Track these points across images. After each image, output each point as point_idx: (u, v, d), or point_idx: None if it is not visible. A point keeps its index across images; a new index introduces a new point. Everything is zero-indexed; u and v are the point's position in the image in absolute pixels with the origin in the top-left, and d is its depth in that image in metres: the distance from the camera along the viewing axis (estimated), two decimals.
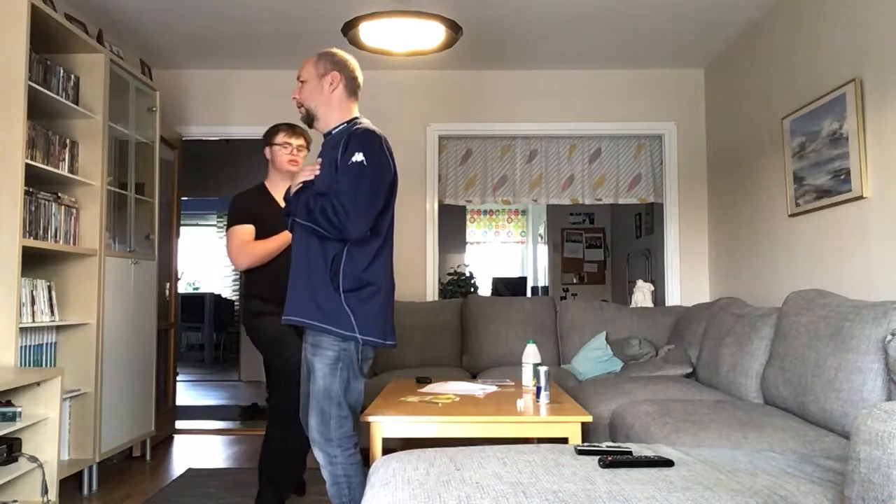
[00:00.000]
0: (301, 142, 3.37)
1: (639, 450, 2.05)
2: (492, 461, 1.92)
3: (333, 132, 2.55)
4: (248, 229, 3.27)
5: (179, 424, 5.45)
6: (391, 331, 2.54)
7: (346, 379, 2.44)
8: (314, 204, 2.40)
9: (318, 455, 2.46)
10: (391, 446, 3.70)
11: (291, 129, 3.37)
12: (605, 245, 9.89)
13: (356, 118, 2.57)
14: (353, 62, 2.60)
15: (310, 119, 2.59)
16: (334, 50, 2.61)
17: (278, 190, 3.31)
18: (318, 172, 2.51)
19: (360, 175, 2.37)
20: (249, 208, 3.32)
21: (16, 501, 3.03)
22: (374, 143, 2.44)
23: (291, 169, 3.31)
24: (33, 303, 3.43)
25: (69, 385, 3.70)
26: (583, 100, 5.45)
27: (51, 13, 3.39)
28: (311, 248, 2.48)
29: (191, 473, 4.12)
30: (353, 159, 2.37)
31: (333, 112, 2.55)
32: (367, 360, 2.51)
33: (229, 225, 3.32)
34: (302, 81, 2.57)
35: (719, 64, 5.15)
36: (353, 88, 2.58)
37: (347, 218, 2.34)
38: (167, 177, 5.09)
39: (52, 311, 3.59)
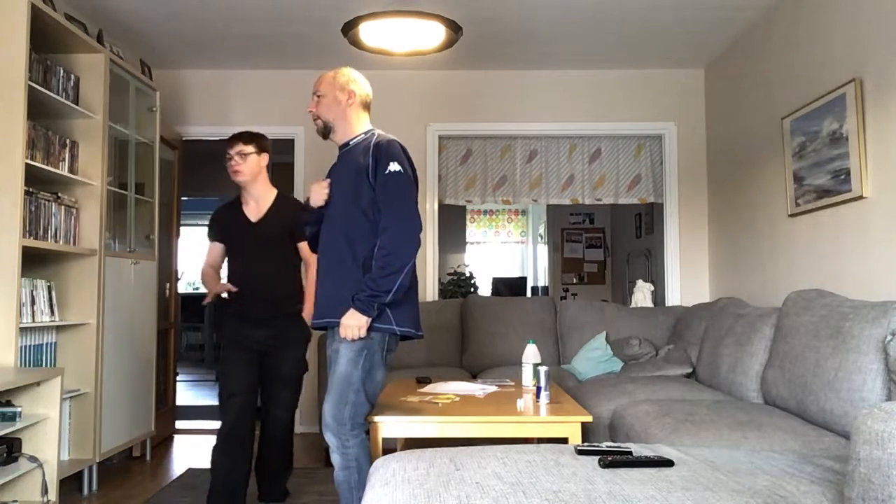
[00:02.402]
0: (238, 148, 3.29)
1: (639, 450, 2.05)
2: (492, 461, 1.92)
3: (351, 143, 2.71)
4: (215, 249, 3.50)
5: (179, 424, 5.45)
6: (419, 322, 2.68)
7: (370, 367, 2.54)
8: (377, 272, 2.49)
9: (330, 439, 2.53)
10: (391, 446, 3.70)
11: (232, 138, 3.34)
12: (605, 245, 9.89)
13: (372, 130, 2.73)
14: (365, 82, 2.79)
15: (326, 131, 2.73)
16: (349, 68, 2.79)
17: (245, 201, 3.40)
18: (326, 190, 2.67)
19: (401, 182, 2.55)
20: (221, 225, 3.47)
21: (16, 501, 3.03)
22: (400, 152, 2.60)
23: (235, 178, 3.32)
24: (33, 303, 3.43)
25: (69, 385, 3.70)
26: (583, 100, 5.45)
27: (51, 13, 3.39)
28: (341, 255, 2.59)
29: (191, 473, 4.12)
30: (390, 169, 2.55)
31: (349, 125, 2.71)
32: (392, 351, 2.62)
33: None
34: (319, 96, 2.71)
35: (719, 64, 5.15)
36: (366, 103, 2.77)
37: (408, 220, 2.53)
38: (167, 177, 5.09)
39: (52, 311, 3.59)
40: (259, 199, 3.38)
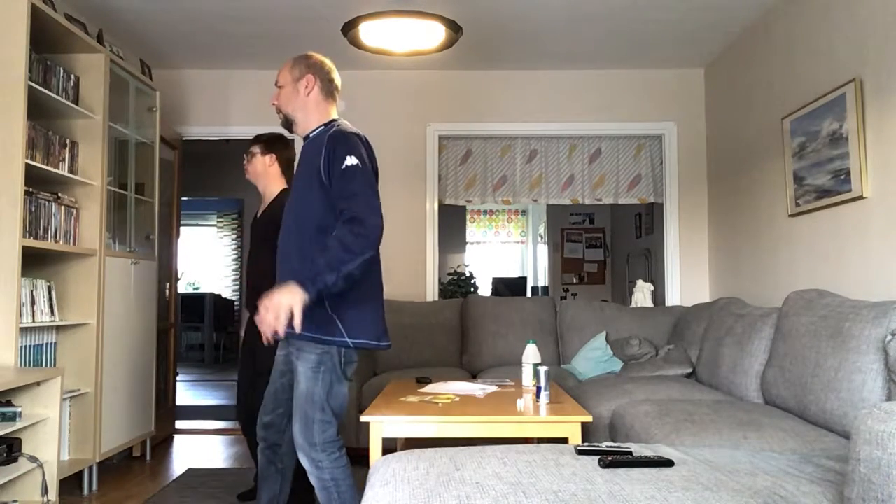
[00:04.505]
0: (249, 148, 3.47)
1: (639, 450, 2.05)
2: (492, 461, 1.92)
3: (311, 135, 2.55)
4: None
5: (179, 424, 5.45)
6: (384, 332, 2.52)
7: (329, 383, 2.42)
8: (328, 256, 2.27)
9: (303, 461, 2.44)
10: (391, 446, 3.70)
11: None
12: (605, 245, 9.89)
13: (334, 120, 2.56)
14: (329, 64, 2.60)
15: (288, 124, 2.59)
16: (310, 53, 2.61)
17: (261, 199, 3.53)
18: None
19: (358, 175, 2.36)
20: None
21: (16, 501, 3.03)
22: (357, 144, 2.42)
23: (246, 176, 3.50)
24: (33, 303, 3.43)
25: (69, 385, 3.70)
26: (583, 100, 5.45)
27: (51, 13, 3.39)
28: (292, 257, 2.47)
29: (191, 473, 4.12)
30: (347, 163, 2.36)
31: (311, 115, 2.55)
32: (351, 363, 2.49)
33: None
34: (279, 87, 2.57)
35: (719, 64, 5.15)
36: (329, 91, 2.57)
37: (368, 216, 2.29)
38: (167, 177, 5.09)
39: (52, 311, 3.59)
40: (266, 196, 3.48)
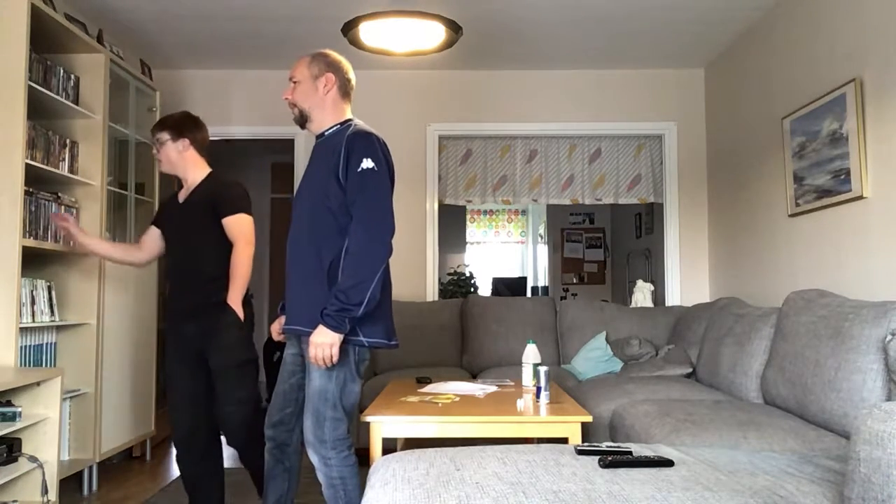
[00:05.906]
0: (155, 136, 3.09)
1: (639, 450, 2.05)
2: (492, 461, 1.92)
3: (327, 133, 2.55)
4: (149, 231, 3.23)
5: None
6: (393, 331, 2.54)
7: (343, 381, 2.43)
8: (346, 282, 2.31)
9: (313, 457, 2.44)
10: (391, 446, 3.71)
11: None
12: (605, 245, 9.89)
13: (350, 120, 2.56)
14: (346, 63, 2.61)
15: (302, 120, 2.58)
16: (328, 51, 2.62)
17: (183, 186, 3.18)
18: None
19: (374, 179, 2.38)
20: (160, 210, 3.26)
21: (16, 501, 3.03)
22: (375, 145, 2.43)
23: (160, 168, 3.19)
24: (33, 303, 3.43)
25: (69, 385, 3.70)
26: (583, 100, 5.45)
27: (51, 13, 3.40)
28: (305, 256, 2.46)
29: None
30: (363, 166, 2.37)
31: (327, 114, 2.55)
32: (364, 361, 2.50)
33: None
34: (295, 82, 2.56)
35: (719, 64, 5.15)
36: (346, 90, 2.58)
37: (380, 222, 2.35)
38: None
39: (52, 311, 3.59)
40: (189, 182, 3.12)
